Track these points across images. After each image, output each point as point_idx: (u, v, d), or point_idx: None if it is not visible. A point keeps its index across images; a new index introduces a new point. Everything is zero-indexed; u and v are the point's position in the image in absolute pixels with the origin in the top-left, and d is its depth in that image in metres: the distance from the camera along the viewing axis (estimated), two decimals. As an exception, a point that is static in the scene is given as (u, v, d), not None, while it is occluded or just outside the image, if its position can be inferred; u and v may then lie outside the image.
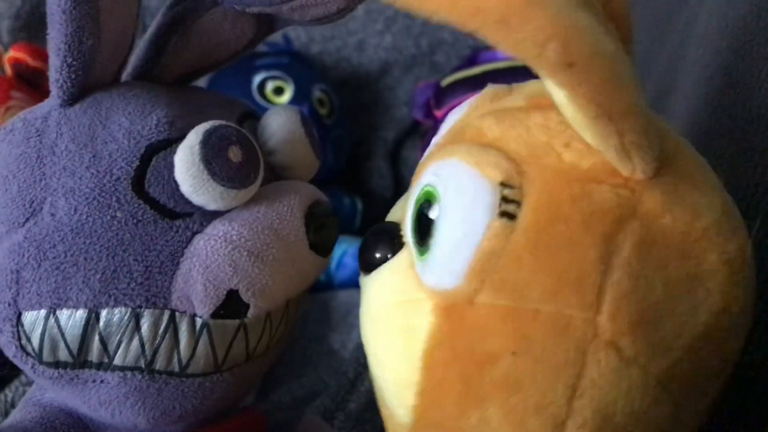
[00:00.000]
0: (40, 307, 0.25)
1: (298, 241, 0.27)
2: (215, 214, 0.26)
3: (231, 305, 0.26)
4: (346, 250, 0.61)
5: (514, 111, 0.24)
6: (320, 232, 0.28)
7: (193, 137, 0.26)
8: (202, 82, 0.73)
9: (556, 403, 0.21)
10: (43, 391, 0.30)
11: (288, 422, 0.36)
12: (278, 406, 0.47)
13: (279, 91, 0.65)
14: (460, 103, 0.73)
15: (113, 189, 0.25)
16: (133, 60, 0.30)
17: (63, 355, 0.26)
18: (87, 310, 0.25)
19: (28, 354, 0.26)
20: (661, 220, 0.21)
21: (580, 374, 0.21)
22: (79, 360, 0.26)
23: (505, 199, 0.21)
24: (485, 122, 0.24)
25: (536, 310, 0.21)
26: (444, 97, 0.67)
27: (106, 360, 0.26)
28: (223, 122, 0.27)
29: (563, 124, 0.23)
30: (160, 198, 0.26)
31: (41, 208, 0.25)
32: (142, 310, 0.25)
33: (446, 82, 0.69)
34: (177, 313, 0.26)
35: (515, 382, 0.21)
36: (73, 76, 0.26)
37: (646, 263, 0.21)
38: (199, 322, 0.26)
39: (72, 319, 0.25)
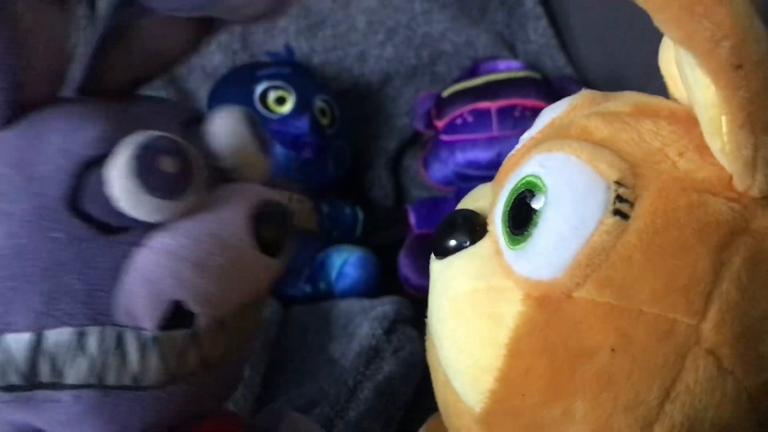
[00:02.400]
0: None
1: (244, 246, 0.27)
2: (155, 226, 0.26)
3: (178, 316, 0.26)
4: (347, 259, 0.61)
5: (621, 115, 0.25)
6: (269, 233, 0.28)
7: (123, 151, 0.25)
8: (203, 92, 0.74)
9: (648, 405, 0.21)
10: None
11: (273, 423, 0.35)
12: (275, 413, 0.47)
13: (281, 101, 0.66)
14: (461, 113, 0.74)
15: (48, 210, 0.25)
16: (74, 76, 0.30)
17: (14, 378, 0.25)
18: (32, 333, 0.25)
19: None
20: None
21: (676, 378, 0.21)
22: (31, 382, 0.26)
23: (619, 198, 0.22)
24: (592, 122, 0.24)
25: (640, 310, 0.21)
26: (445, 107, 0.68)
27: (57, 380, 0.26)
28: (156, 133, 0.26)
29: (675, 134, 0.23)
30: (96, 214, 0.25)
31: None
32: (87, 328, 0.25)
33: (447, 92, 0.69)
34: (122, 328, 0.26)
35: (609, 378, 0.22)
36: (3, 98, 0.25)
37: (754, 279, 0.21)
38: (146, 335, 0.26)
39: (18, 342, 0.25)
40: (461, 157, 0.66)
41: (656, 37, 0.25)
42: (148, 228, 0.26)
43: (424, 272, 0.68)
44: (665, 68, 0.26)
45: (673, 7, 0.20)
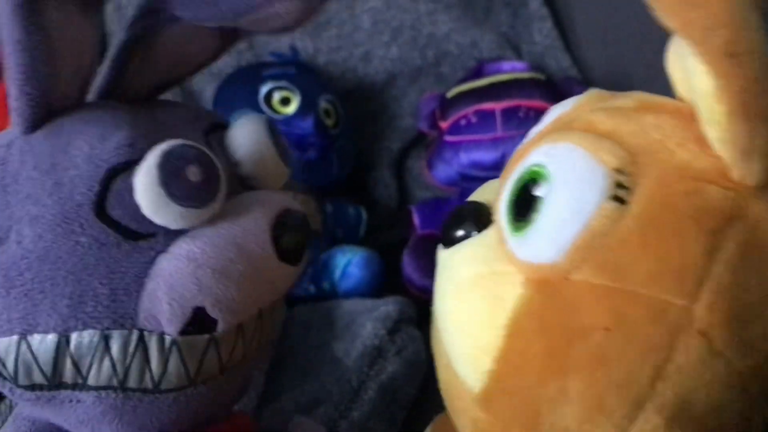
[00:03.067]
0: (12, 334, 0.26)
1: (264, 254, 0.28)
2: (179, 233, 0.27)
3: (199, 322, 0.27)
4: (350, 259, 0.62)
5: (625, 109, 0.26)
6: (289, 242, 0.29)
7: (151, 159, 0.26)
8: (209, 92, 0.74)
9: (639, 383, 0.22)
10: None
11: (278, 426, 0.36)
12: (280, 414, 0.47)
13: (286, 101, 0.66)
14: (465, 114, 0.75)
15: (76, 214, 0.26)
16: (98, 80, 0.31)
17: (38, 378, 0.26)
18: (57, 335, 0.26)
19: (4, 378, 0.27)
20: (766, 226, 0.22)
21: (668, 358, 0.22)
22: (54, 382, 0.26)
23: (618, 185, 0.23)
24: (596, 116, 0.25)
25: (635, 292, 0.22)
26: (449, 108, 0.68)
27: (80, 381, 0.26)
28: (181, 141, 0.27)
29: (677, 127, 0.24)
30: (122, 220, 0.26)
31: (8, 237, 0.26)
32: (111, 331, 0.26)
33: (451, 93, 0.70)
34: (145, 333, 0.26)
35: (603, 357, 0.22)
36: (32, 104, 0.26)
37: (746, 264, 0.22)
38: (168, 339, 0.27)
39: (43, 343, 0.26)
40: (465, 157, 0.66)
41: (660, 38, 0.25)
42: (172, 235, 0.27)
43: (428, 272, 0.69)
44: (672, 69, 0.27)
45: None
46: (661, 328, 0.22)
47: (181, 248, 0.26)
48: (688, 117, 0.24)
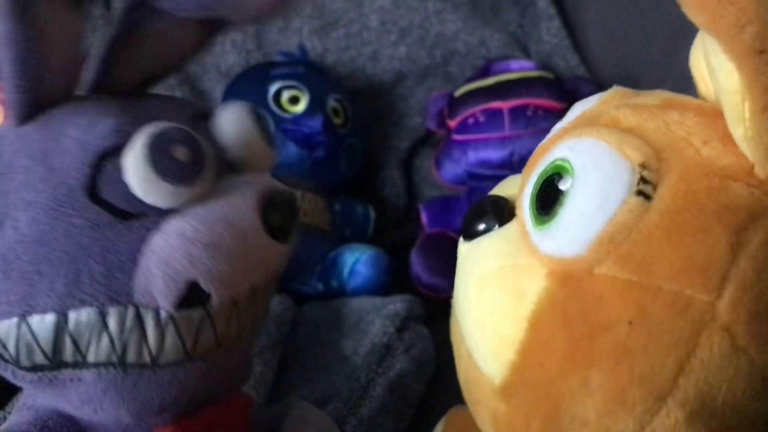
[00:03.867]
0: (12, 316, 0.26)
1: (253, 230, 0.29)
2: (169, 211, 0.28)
3: (193, 296, 0.27)
4: (358, 257, 0.62)
5: (649, 106, 0.26)
6: (278, 219, 0.30)
7: (139, 140, 0.27)
8: (218, 91, 0.75)
9: (662, 378, 0.22)
10: (35, 395, 0.31)
11: (279, 411, 0.36)
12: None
13: (294, 100, 0.66)
14: (473, 113, 0.74)
15: (69, 198, 0.27)
16: (87, 74, 0.32)
17: (39, 358, 0.27)
18: (55, 314, 0.26)
19: (6, 361, 0.27)
20: None
21: (691, 353, 0.22)
22: (55, 361, 0.27)
23: (643, 180, 0.23)
24: (621, 112, 0.26)
25: (659, 286, 0.22)
26: (457, 107, 0.68)
27: (80, 359, 0.27)
28: (168, 123, 0.28)
29: (701, 124, 0.24)
30: (114, 201, 0.27)
31: (4, 223, 0.27)
32: (108, 308, 0.27)
33: (459, 92, 0.70)
34: (141, 308, 0.27)
35: (626, 351, 0.23)
36: (23, 97, 0.27)
37: None
38: (163, 314, 0.27)
39: (42, 323, 0.26)
40: (473, 156, 0.66)
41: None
42: (162, 213, 0.28)
43: (436, 271, 0.69)
44: (695, 68, 0.27)
45: None
46: (684, 323, 0.22)
47: (171, 225, 0.27)
48: (712, 115, 0.24)
